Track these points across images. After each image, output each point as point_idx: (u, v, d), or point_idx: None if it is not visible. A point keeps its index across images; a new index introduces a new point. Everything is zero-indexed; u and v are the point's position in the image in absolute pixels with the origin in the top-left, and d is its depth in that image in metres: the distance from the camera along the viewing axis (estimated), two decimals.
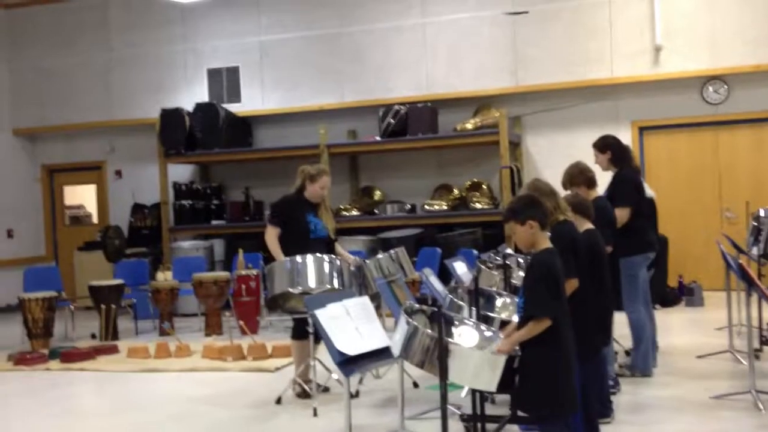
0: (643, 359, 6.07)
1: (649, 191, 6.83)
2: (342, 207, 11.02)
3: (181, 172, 12.08)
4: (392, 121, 10.57)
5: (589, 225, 4.82)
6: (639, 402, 5.48)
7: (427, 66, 11.03)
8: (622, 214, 5.97)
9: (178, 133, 11.19)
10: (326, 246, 6.11)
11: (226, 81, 11.79)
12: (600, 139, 6.37)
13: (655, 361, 6.29)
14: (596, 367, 4.63)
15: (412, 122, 10.48)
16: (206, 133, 11.22)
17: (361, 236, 10.61)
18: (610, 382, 5.41)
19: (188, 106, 11.46)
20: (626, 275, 5.96)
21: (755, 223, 7.49)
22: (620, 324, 5.24)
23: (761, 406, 5.07)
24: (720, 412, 5.13)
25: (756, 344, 6.48)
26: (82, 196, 13.45)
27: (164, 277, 9.47)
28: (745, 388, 5.34)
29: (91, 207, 13.24)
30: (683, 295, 9.71)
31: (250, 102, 11.75)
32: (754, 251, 7.28)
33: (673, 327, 8.16)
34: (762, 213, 7.99)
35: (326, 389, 6.10)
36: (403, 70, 11.09)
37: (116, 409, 6.15)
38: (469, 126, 10.48)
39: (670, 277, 9.80)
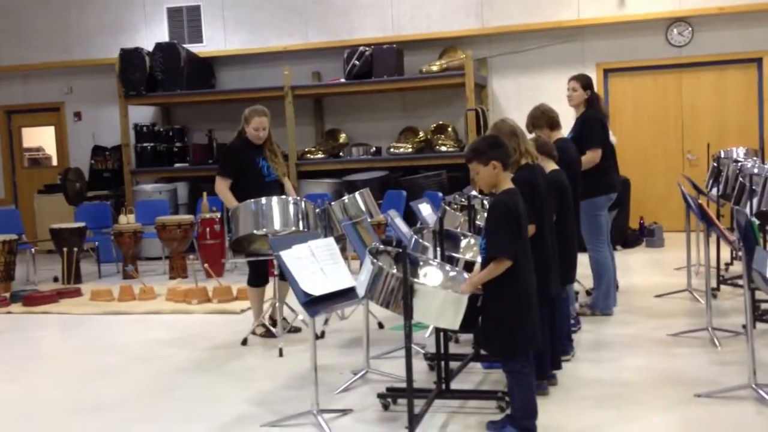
0: (604, 298, 6.18)
1: (611, 136, 6.88)
2: (307, 150, 10.95)
3: (143, 113, 11.86)
4: (357, 62, 10.45)
5: (554, 165, 4.84)
6: (599, 340, 5.59)
7: (392, 7, 10.88)
8: (594, 156, 6.02)
9: (138, 73, 10.97)
10: (280, 188, 6.06)
11: (186, 20, 11.54)
12: (583, 75, 6.35)
13: (615, 301, 6.41)
14: (559, 307, 4.71)
15: (377, 64, 10.37)
16: (167, 74, 11.01)
17: (327, 179, 10.59)
18: (572, 321, 5.52)
19: (148, 46, 11.21)
20: (590, 216, 6.02)
21: (715, 165, 7.60)
22: (580, 264, 5.32)
23: (717, 343, 5.20)
24: (677, 349, 5.26)
25: (713, 283, 6.64)
26: (40, 138, 13.18)
27: (127, 221, 9.38)
28: (702, 325, 5.48)
29: (51, 149, 13.00)
30: (644, 236, 9.86)
31: (211, 42, 11.53)
32: (714, 192, 7.39)
33: (634, 267, 8.30)
34: (722, 154, 8.12)
35: (297, 329, 6.13)
36: (368, 10, 10.94)
37: (81, 351, 6.13)
38: (434, 68, 10.41)
39: (632, 218, 9.94)
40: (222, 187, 5.90)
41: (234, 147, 6.04)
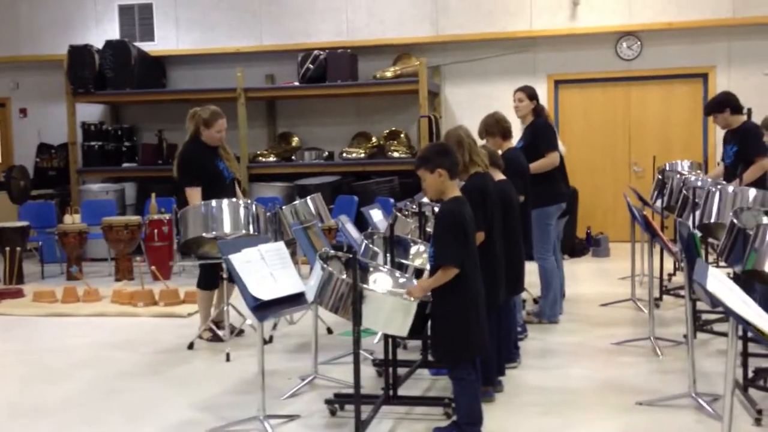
0: (550, 307, 6.27)
1: (561, 146, 6.98)
2: (259, 153, 10.88)
3: (91, 111, 11.65)
4: (311, 66, 10.42)
5: (501, 176, 4.90)
6: (545, 348, 5.67)
7: (347, 12, 10.89)
8: (553, 158, 6.15)
9: (87, 71, 10.77)
10: (234, 187, 6.06)
11: (138, 18, 11.38)
12: (528, 87, 6.44)
13: (561, 309, 6.51)
14: (506, 315, 4.77)
15: (331, 68, 10.36)
16: (117, 72, 10.84)
17: (278, 183, 10.54)
18: (518, 329, 5.58)
19: (98, 43, 11.03)
20: (540, 225, 6.10)
21: (660, 177, 7.76)
22: (528, 273, 5.40)
23: (659, 352, 5.31)
24: (621, 358, 5.35)
25: (656, 293, 6.78)
26: None
27: (72, 220, 9.20)
28: (645, 334, 5.59)
29: None
30: (591, 245, 10.02)
31: (163, 42, 11.39)
32: (658, 204, 7.55)
33: (580, 276, 8.43)
34: (667, 167, 8.30)
35: (241, 332, 6.08)
36: (323, 15, 10.92)
37: (22, 353, 5.99)
38: (388, 74, 10.45)
39: (579, 228, 10.09)
40: (195, 199, 5.70)
41: (194, 153, 5.89)
